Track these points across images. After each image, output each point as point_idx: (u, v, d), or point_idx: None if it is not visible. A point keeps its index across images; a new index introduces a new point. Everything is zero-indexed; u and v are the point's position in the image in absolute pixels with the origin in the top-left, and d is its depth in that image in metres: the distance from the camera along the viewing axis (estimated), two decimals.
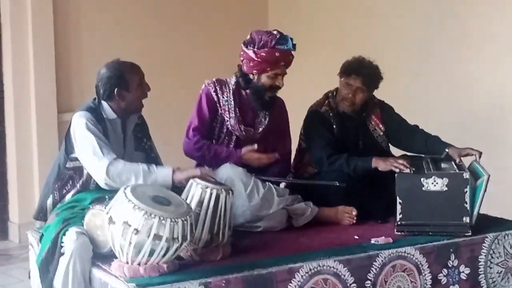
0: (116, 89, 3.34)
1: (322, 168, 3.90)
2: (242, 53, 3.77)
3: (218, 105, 3.78)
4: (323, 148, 3.89)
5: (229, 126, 3.79)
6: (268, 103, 3.82)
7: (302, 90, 5.44)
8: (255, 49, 3.69)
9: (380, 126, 4.06)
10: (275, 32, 3.73)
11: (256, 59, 3.69)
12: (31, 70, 5.53)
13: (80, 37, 5.79)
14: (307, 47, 6.08)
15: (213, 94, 3.79)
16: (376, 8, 5.64)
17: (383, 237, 3.34)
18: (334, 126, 3.97)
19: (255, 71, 3.73)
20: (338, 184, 3.67)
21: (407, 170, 3.51)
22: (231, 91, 3.80)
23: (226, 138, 3.81)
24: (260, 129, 3.86)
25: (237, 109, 3.77)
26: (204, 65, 5.95)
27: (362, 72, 3.90)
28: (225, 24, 6.25)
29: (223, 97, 3.79)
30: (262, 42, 3.69)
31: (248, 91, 3.81)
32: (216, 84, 3.81)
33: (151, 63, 5.49)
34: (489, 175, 3.48)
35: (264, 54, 3.68)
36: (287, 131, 4.06)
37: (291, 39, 3.73)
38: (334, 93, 4.03)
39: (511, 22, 4.76)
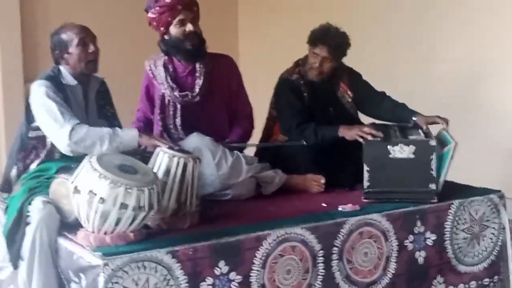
0: (57, 52, 3.30)
1: (291, 136, 3.90)
2: (149, 22, 3.78)
3: (155, 81, 3.83)
4: (292, 117, 3.89)
5: (167, 97, 3.80)
6: (193, 52, 3.77)
7: (274, 57, 5.42)
8: (152, 10, 3.73)
9: (349, 92, 4.04)
10: None
11: (156, 16, 3.73)
12: None
13: (47, 4, 5.71)
14: (281, 12, 6.07)
15: (149, 72, 3.86)
16: None
17: (350, 205, 3.36)
18: (305, 94, 3.95)
19: (162, 28, 3.74)
20: (305, 143, 3.70)
21: (371, 139, 3.52)
22: (162, 63, 3.82)
23: (172, 109, 3.82)
24: (197, 89, 3.80)
25: (168, 77, 3.79)
26: None
27: (328, 41, 3.86)
28: None
29: (157, 72, 3.83)
30: (153, 0, 3.74)
31: (174, 55, 3.81)
32: (151, 62, 3.87)
33: (119, 29, 5.46)
34: (456, 143, 3.50)
35: (158, 8, 3.71)
36: (242, 90, 4.00)
37: None
38: (304, 61, 4.01)
39: None
